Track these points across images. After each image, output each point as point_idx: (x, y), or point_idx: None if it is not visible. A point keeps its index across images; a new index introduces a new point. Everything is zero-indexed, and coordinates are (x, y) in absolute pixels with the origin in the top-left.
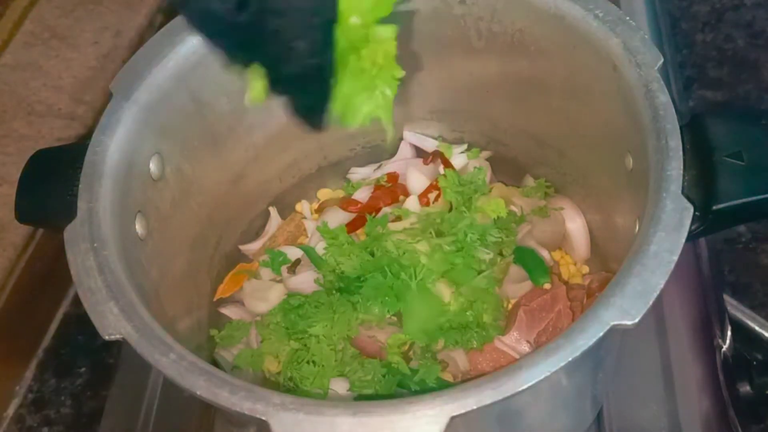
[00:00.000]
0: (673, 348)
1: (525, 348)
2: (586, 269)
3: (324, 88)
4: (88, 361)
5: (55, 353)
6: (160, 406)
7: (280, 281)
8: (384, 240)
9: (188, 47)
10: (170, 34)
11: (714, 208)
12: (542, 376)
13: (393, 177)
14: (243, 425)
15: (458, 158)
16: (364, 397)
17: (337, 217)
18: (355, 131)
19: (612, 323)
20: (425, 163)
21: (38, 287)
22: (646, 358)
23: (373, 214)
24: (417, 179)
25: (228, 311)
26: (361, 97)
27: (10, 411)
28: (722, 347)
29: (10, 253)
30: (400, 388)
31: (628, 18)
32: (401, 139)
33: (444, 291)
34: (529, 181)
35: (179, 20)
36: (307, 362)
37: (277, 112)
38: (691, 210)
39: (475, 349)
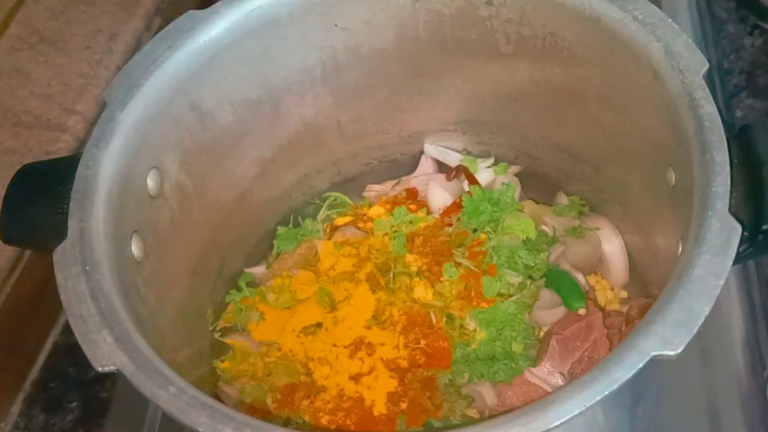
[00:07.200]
0: (719, 381)
1: (558, 380)
2: (624, 294)
3: None
4: (80, 395)
5: (44, 386)
6: None
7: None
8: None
9: (188, 52)
10: (169, 37)
11: (764, 227)
12: (576, 412)
13: (412, 193)
14: None
15: (484, 173)
16: None
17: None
18: (371, 144)
19: (652, 354)
20: (448, 178)
21: (25, 314)
22: (689, 393)
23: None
24: (439, 196)
25: (232, 341)
26: None
27: None
28: None
29: None
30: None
31: (670, 20)
32: (422, 152)
33: (469, 319)
34: (562, 199)
35: (178, 23)
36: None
37: (287, 122)
38: (739, 230)
39: (504, 383)
